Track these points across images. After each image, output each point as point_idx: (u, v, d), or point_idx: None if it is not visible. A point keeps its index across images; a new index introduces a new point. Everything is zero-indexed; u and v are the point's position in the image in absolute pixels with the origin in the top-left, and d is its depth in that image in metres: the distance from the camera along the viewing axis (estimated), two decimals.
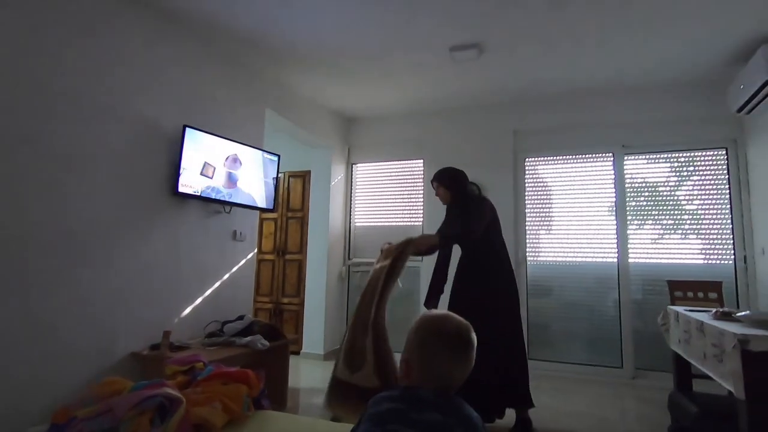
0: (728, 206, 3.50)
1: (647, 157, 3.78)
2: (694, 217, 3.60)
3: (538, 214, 4.03)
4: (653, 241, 3.70)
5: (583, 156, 3.94)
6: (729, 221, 3.49)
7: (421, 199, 4.38)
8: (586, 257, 3.84)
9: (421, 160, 4.44)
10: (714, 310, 2.14)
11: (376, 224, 4.60)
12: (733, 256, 3.45)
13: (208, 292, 2.94)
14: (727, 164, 3.54)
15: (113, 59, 2.35)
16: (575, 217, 3.89)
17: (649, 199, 3.75)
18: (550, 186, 4.04)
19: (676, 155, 3.70)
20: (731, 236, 3.47)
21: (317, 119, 4.20)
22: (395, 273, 2.24)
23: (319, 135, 4.20)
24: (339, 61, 3.28)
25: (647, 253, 3.68)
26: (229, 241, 3.13)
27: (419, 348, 0.98)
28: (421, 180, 4.44)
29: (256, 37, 2.91)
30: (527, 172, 4.09)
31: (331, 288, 4.36)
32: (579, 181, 3.93)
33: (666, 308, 2.66)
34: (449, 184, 2.69)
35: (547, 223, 4.00)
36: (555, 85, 3.70)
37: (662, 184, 3.74)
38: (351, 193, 4.72)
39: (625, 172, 3.79)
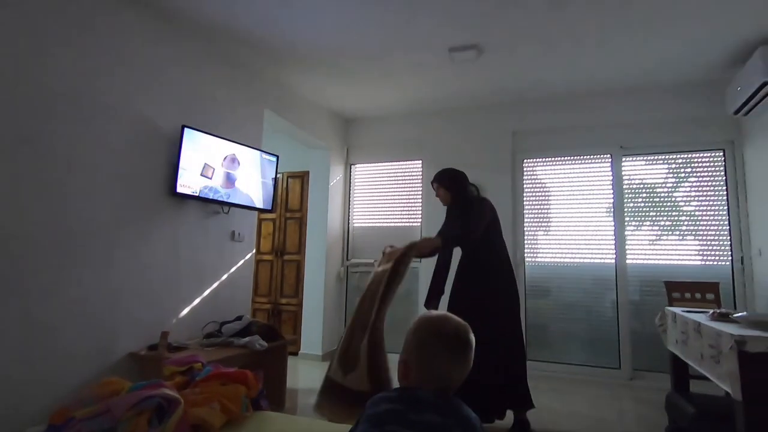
0: (725, 208, 3.51)
1: (645, 158, 3.79)
2: (692, 218, 3.61)
3: (536, 215, 4.04)
4: (651, 242, 3.71)
5: (582, 157, 3.95)
6: (726, 222, 3.50)
7: (420, 200, 4.38)
8: (584, 258, 3.85)
9: (420, 161, 4.45)
10: (711, 311, 2.15)
11: (374, 225, 4.60)
12: (730, 258, 3.46)
13: (207, 292, 2.94)
14: (725, 166, 3.56)
15: (113, 59, 2.35)
16: (573, 218, 3.90)
17: (647, 200, 3.76)
18: (549, 187, 4.05)
19: (674, 156, 3.71)
20: (728, 237, 3.48)
21: (316, 120, 4.20)
22: (397, 277, 2.24)
23: (317, 135, 4.20)
24: (338, 61, 3.28)
25: (645, 254, 3.69)
26: (227, 242, 3.13)
27: (418, 349, 0.98)
28: (419, 181, 4.44)
29: (256, 37, 2.91)
30: (526, 172, 4.10)
31: (329, 289, 4.36)
32: (577, 182, 3.94)
33: (663, 309, 2.67)
34: (449, 185, 2.69)
35: (545, 223, 4.01)
36: (554, 86, 3.71)
37: (660, 185, 3.75)
38: (350, 193, 4.72)
39: (623, 173, 3.81)
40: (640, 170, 3.80)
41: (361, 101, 4.19)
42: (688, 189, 3.68)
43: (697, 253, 3.59)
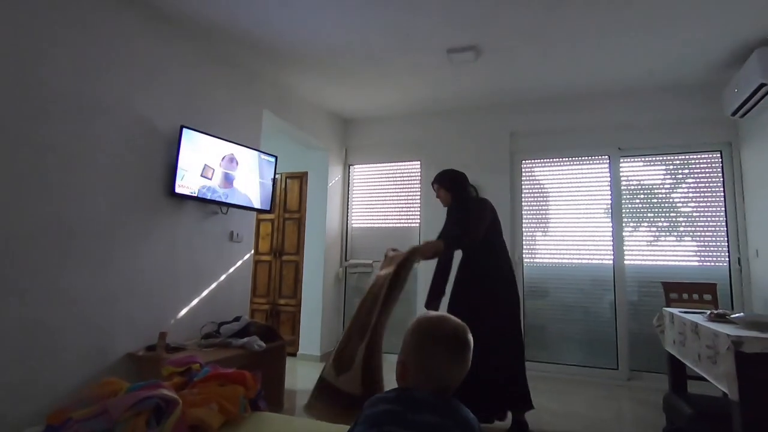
0: (723, 208, 3.53)
1: (643, 159, 3.80)
2: (689, 219, 3.63)
3: (534, 216, 4.04)
4: (648, 243, 3.72)
5: (580, 158, 3.96)
6: (723, 223, 3.51)
7: (419, 201, 4.38)
8: (582, 259, 3.85)
9: (419, 162, 4.45)
10: (708, 311, 2.16)
11: (373, 226, 4.61)
12: (727, 258, 3.48)
13: (205, 293, 2.94)
14: (722, 167, 3.57)
15: (112, 59, 2.35)
16: (571, 219, 3.91)
17: (645, 201, 3.77)
18: (547, 188, 4.06)
19: (672, 158, 3.72)
20: (726, 238, 3.50)
21: (315, 120, 4.20)
22: (399, 282, 2.24)
23: (316, 136, 4.20)
24: (337, 62, 3.29)
25: (643, 255, 3.70)
26: (226, 242, 3.12)
27: (416, 349, 0.98)
28: (418, 181, 4.44)
29: (255, 37, 2.92)
30: (524, 173, 4.11)
31: (327, 289, 4.36)
32: (575, 183, 3.95)
33: (661, 310, 2.67)
34: (450, 186, 2.69)
35: (544, 224, 4.02)
36: (552, 87, 3.72)
37: (658, 186, 3.76)
38: (348, 194, 4.72)
39: (621, 174, 3.82)
40: (637, 171, 3.81)
41: (360, 102, 4.19)
42: (685, 190, 3.69)
43: (694, 253, 3.60)
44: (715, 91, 3.42)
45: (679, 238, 3.65)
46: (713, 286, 2.95)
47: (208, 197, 2.79)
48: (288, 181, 4.70)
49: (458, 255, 2.70)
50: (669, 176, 3.75)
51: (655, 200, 3.74)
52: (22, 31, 1.96)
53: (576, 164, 3.97)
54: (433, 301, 2.62)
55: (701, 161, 3.65)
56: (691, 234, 3.62)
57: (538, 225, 4.03)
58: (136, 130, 2.49)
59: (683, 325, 2.23)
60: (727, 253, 3.48)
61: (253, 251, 3.45)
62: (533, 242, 4.02)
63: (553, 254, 3.95)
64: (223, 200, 2.91)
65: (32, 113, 2.00)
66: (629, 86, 3.65)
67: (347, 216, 4.69)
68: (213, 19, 2.70)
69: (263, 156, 3.28)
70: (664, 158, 3.74)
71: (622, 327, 3.65)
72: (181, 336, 2.68)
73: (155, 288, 2.58)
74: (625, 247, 3.73)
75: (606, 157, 3.87)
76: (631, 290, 3.71)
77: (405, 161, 4.54)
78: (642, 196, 3.78)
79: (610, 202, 3.81)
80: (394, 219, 4.53)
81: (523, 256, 3.99)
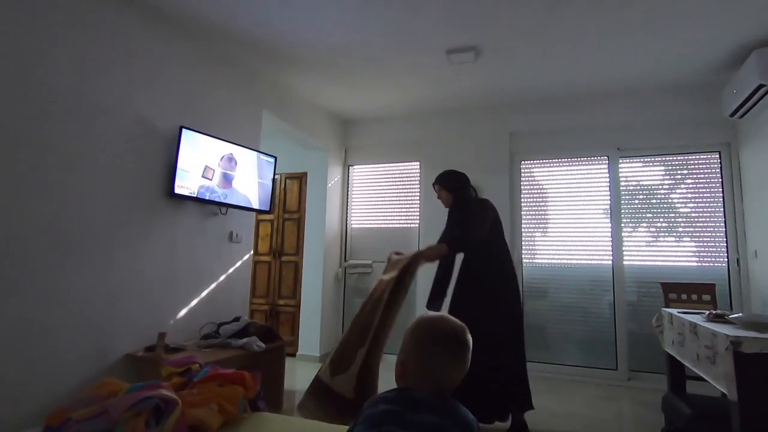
0: (721, 209, 3.53)
1: (642, 159, 3.81)
2: (688, 219, 3.63)
3: (533, 217, 4.05)
4: (647, 243, 3.72)
5: (579, 159, 3.96)
6: (722, 224, 3.52)
7: (418, 202, 4.39)
8: (581, 259, 3.86)
9: (418, 162, 4.45)
10: (707, 312, 2.16)
11: (372, 226, 4.61)
12: (726, 259, 3.48)
13: (204, 293, 2.94)
14: (721, 167, 3.58)
15: (112, 59, 2.35)
16: (570, 219, 3.92)
17: (644, 201, 3.78)
18: (546, 188, 4.06)
19: (671, 158, 3.73)
20: (724, 239, 3.50)
21: (314, 121, 4.21)
22: (403, 287, 2.24)
23: (316, 136, 4.20)
24: (337, 62, 3.29)
25: (641, 255, 3.71)
26: (225, 243, 3.12)
27: (415, 349, 0.99)
28: (417, 182, 4.45)
29: (255, 37, 2.92)
30: (523, 174, 4.12)
31: (327, 290, 4.36)
32: (574, 183, 3.95)
33: (660, 310, 2.68)
34: (451, 187, 2.69)
35: (543, 225, 4.02)
36: (551, 88, 3.72)
37: (657, 186, 3.77)
38: (348, 195, 4.72)
39: (620, 174, 3.82)
40: (637, 172, 3.82)
41: (360, 102, 4.20)
42: (684, 191, 3.70)
43: (693, 254, 3.60)
44: (713, 92, 3.43)
45: (678, 239, 3.66)
46: (712, 286, 2.96)
47: (207, 197, 2.79)
48: (287, 182, 4.70)
49: (460, 255, 2.69)
50: (668, 177, 3.76)
51: (654, 201, 3.75)
52: (22, 31, 1.96)
53: (575, 165, 3.98)
54: (434, 302, 2.61)
55: (700, 162, 3.66)
56: (689, 234, 3.62)
57: (537, 225, 4.04)
58: (136, 130, 2.49)
59: (682, 326, 2.24)
60: (725, 254, 3.49)
61: (252, 252, 3.45)
62: (532, 243, 4.03)
63: (552, 255, 3.95)
64: (222, 200, 2.91)
65: (32, 113, 2.00)
66: (628, 87, 3.65)
67: (347, 216, 4.69)
68: (213, 19, 2.70)
69: (262, 156, 3.28)
70: (663, 159, 3.75)
71: (621, 327, 3.65)
72: (180, 336, 2.68)
73: (155, 288, 2.58)
74: (624, 248, 3.74)
75: (605, 157, 3.87)
76: (630, 290, 3.71)
77: (404, 162, 4.54)
78: (641, 196, 3.79)
79: (609, 202, 3.81)
80: (394, 219, 4.53)
81: (523, 256, 3.99)
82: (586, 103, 3.87)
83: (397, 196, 4.55)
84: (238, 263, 3.25)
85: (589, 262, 3.83)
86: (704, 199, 3.60)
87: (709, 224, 3.57)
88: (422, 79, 3.60)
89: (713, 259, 3.53)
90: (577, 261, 3.87)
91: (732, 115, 3.17)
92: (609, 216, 3.79)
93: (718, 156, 3.60)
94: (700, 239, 3.58)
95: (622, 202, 3.79)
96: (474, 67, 3.29)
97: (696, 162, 3.67)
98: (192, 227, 2.85)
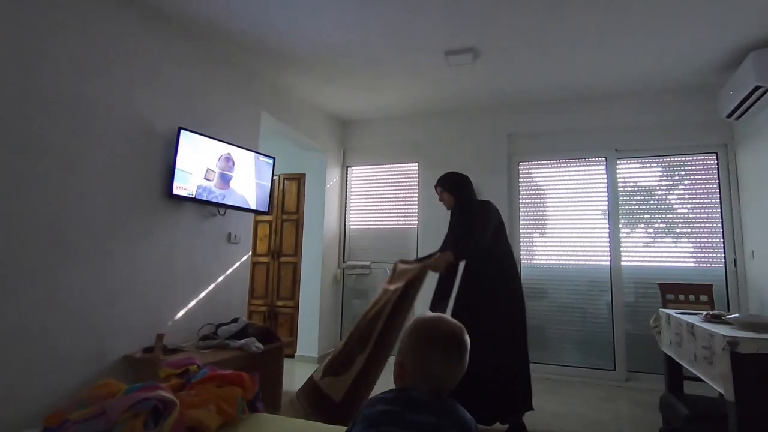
0: (718, 210, 3.55)
1: (640, 161, 3.82)
2: (686, 220, 3.65)
3: (531, 218, 4.06)
4: (645, 244, 3.74)
5: (577, 160, 3.97)
6: (719, 225, 3.53)
7: (416, 203, 4.39)
8: (579, 260, 3.87)
9: (416, 163, 4.46)
10: (704, 312, 2.18)
11: (371, 227, 4.61)
12: (723, 259, 3.50)
13: (203, 294, 2.94)
14: (718, 168, 3.59)
15: (112, 59, 2.35)
16: (569, 220, 3.93)
17: (642, 202, 3.79)
18: (544, 189, 4.07)
19: (668, 159, 3.75)
20: (721, 239, 3.52)
21: (313, 122, 4.21)
22: (407, 300, 2.24)
23: (314, 138, 4.21)
24: (336, 62, 3.29)
25: (639, 256, 3.72)
26: (223, 244, 3.12)
27: (413, 350, 0.99)
28: (416, 183, 4.45)
29: (254, 38, 2.92)
30: (521, 175, 4.12)
31: (325, 291, 4.36)
32: (572, 184, 3.96)
33: (658, 311, 2.69)
34: (453, 189, 2.68)
35: (541, 226, 4.03)
36: (549, 89, 3.73)
37: (654, 188, 3.78)
38: (346, 195, 4.73)
39: (618, 176, 3.83)
40: (634, 173, 3.83)
41: (358, 103, 4.20)
42: (681, 192, 3.71)
43: (690, 255, 3.62)
44: (710, 94, 3.45)
45: (675, 240, 3.67)
46: (709, 287, 2.97)
47: (204, 197, 2.79)
48: (286, 183, 4.70)
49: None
50: (665, 178, 3.77)
51: (652, 202, 3.76)
52: (22, 31, 1.96)
53: (573, 166, 3.99)
54: (438, 305, 2.57)
55: (697, 163, 3.67)
56: (687, 235, 3.64)
57: (535, 226, 4.04)
58: (135, 131, 2.48)
59: (679, 326, 2.25)
60: (722, 255, 3.50)
61: (251, 252, 3.44)
62: (531, 243, 4.04)
63: (551, 255, 3.96)
64: (220, 201, 2.90)
65: (32, 113, 1.99)
66: (626, 88, 3.67)
67: (345, 217, 4.69)
68: (212, 19, 2.70)
69: (261, 157, 3.28)
70: (661, 160, 3.77)
71: (619, 328, 3.66)
72: (178, 338, 2.68)
73: (153, 289, 2.57)
74: (621, 249, 3.75)
75: (603, 158, 3.89)
76: (627, 291, 3.72)
77: (403, 163, 4.54)
78: (639, 197, 3.80)
79: (607, 203, 3.82)
80: (392, 220, 4.53)
81: (521, 257, 4.00)
82: (584, 105, 3.89)
83: (395, 197, 4.56)
84: (237, 264, 3.25)
85: (587, 262, 3.84)
86: (701, 200, 3.62)
87: (707, 225, 3.58)
88: (421, 80, 3.60)
89: (710, 260, 3.54)
90: (575, 262, 3.88)
91: (729, 116, 3.19)
92: (607, 217, 3.81)
93: (715, 157, 3.61)
94: (698, 240, 3.60)
95: (620, 203, 3.80)
96: (473, 68, 3.30)
97: (693, 163, 3.68)
98: (191, 228, 2.85)
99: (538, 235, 4.03)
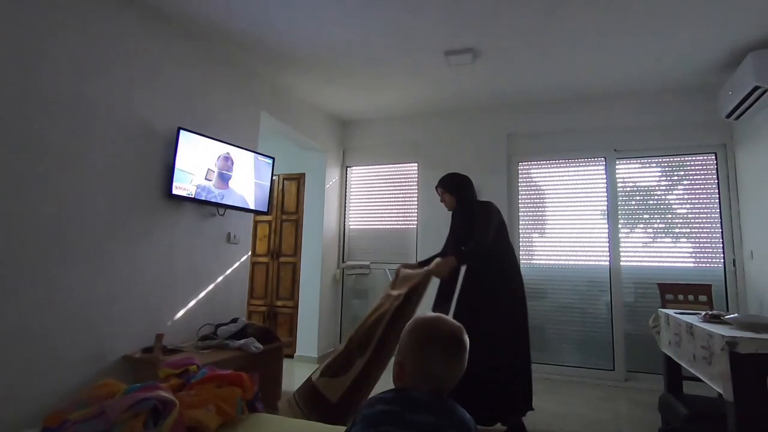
0: (718, 210, 3.55)
1: (639, 161, 3.82)
2: (685, 220, 3.65)
3: (531, 218, 4.06)
4: (644, 244, 3.74)
5: (576, 160, 3.98)
6: (718, 225, 3.54)
7: (416, 203, 4.39)
8: (578, 260, 3.87)
9: (416, 164, 4.46)
10: (703, 312, 2.18)
11: (370, 227, 4.61)
12: (722, 260, 3.50)
13: (202, 294, 2.94)
14: (717, 169, 3.60)
15: (111, 59, 2.35)
16: (568, 220, 3.93)
17: (641, 202, 3.79)
18: (544, 189, 4.07)
19: (667, 159, 3.75)
20: (721, 240, 3.52)
21: (313, 122, 4.21)
22: (409, 306, 2.24)
23: (314, 138, 4.21)
24: (336, 62, 3.29)
25: (638, 256, 3.72)
26: (223, 244, 3.12)
27: (413, 350, 0.99)
28: (415, 183, 4.45)
29: (253, 38, 2.92)
30: (521, 175, 4.13)
31: (325, 291, 4.36)
32: (572, 184, 3.96)
33: (657, 311, 2.69)
34: (454, 189, 2.67)
35: (540, 226, 4.03)
36: (549, 89, 3.74)
37: (653, 188, 3.79)
38: (345, 196, 4.73)
39: (617, 176, 3.84)
40: (633, 173, 3.84)
41: (358, 103, 4.20)
42: (681, 192, 3.72)
43: (689, 255, 3.62)
44: (710, 94, 3.45)
45: (674, 240, 3.67)
46: (708, 287, 2.97)
47: (203, 197, 2.78)
48: (285, 183, 4.70)
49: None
50: (664, 178, 3.77)
51: (651, 202, 3.76)
52: (22, 31, 1.96)
53: (572, 166, 3.99)
54: (440, 307, 2.54)
55: (696, 163, 3.67)
56: (686, 235, 3.64)
57: (535, 226, 4.05)
58: (135, 131, 2.48)
59: (678, 326, 2.25)
60: (722, 255, 3.50)
61: (250, 253, 3.44)
62: (530, 243, 4.04)
63: (550, 255, 3.96)
64: (219, 201, 2.90)
65: (32, 113, 1.99)
66: (626, 88, 3.67)
67: (345, 217, 4.69)
68: (212, 19, 2.70)
69: (260, 157, 3.28)
70: (660, 160, 3.77)
71: (618, 328, 3.66)
72: (178, 338, 2.68)
73: (153, 289, 2.57)
74: (621, 249, 3.75)
75: (602, 158, 3.89)
76: (627, 291, 3.72)
77: (402, 163, 4.54)
78: (638, 197, 3.80)
79: (606, 203, 3.82)
80: (392, 220, 4.53)
81: (520, 257, 4.00)
82: (584, 105, 3.89)
83: (395, 197, 4.56)
84: (236, 264, 3.25)
85: (586, 263, 3.85)
86: (701, 201, 3.62)
87: (706, 225, 3.58)
88: (421, 80, 3.60)
89: (709, 260, 3.55)
90: (574, 262, 3.88)
91: (728, 116, 3.19)
92: (606, 217, 3.81)
93: (714, 157, 3.62)
94: (697, 240, 3.60)
95: (619, 203, 3.81)
96: (472, 68, 3.30)
97: (692, 163, 3.69)
98: (190, 228, 2.85)
99: (537, 235, 4.04)
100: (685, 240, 3.64)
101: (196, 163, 2.73)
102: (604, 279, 3.76)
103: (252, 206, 3.20)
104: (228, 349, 2.58)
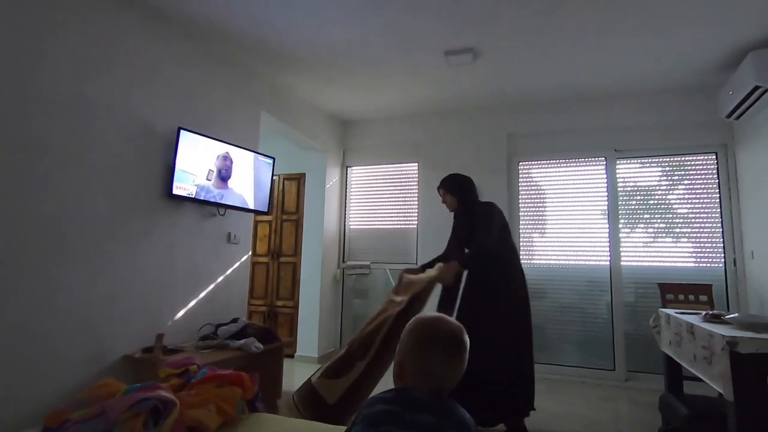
0: (718, 210, 3.55)
1: (639, 161, 3.82)
2: (685, 220, 3.65)
3: (531, 218, 4.06)
4: (645, 244, 3.74)
5: (576, 160, 3.98)
6: (719, 224, 3.54)
7: (416, 203, 4.39)
8: (578, 260, 3.87)
9: (416, 163, 4.46)
10: (704, 312, 2.17)
11: (370, 227, 4.61)
12: (723, 259, 3.50)
13: (202, 294, 2.94)
14: (717, 168, 3.60)
15: (111, 59, 2.35)
16: (568, 220, 3.93)
17: (641, 202, 3.79)
18: (544, 189, 4.07)
19: (668, 159, 3.75)
20: (721, 239, 3.52)
21: (313, 122, 4.21)
22: (412, 311, 2.24)
23: (314, 138, 4.21)
24: (336, 62, 3.29)
25: (639, 256, 3.72)
26: (223, 244, 3.12)
27: (413, 349, 0.99)
28: (415, 183, 4.45)
29: (254, 38, 2.92)
30: (521, 175, 4.13)
31: (325, 291, 4.36)
32: (572, 184, 3.96)
33: (657, 311, 2.69)
34: (456, 191, 2.67)
35: (541, 226, 4.03)
36: (549, 89, 3.74)
37: (654, 188, 3.78)
38: (346, 195, 4.73)
39: (618, 176, 3.83)
40: (634, 173, 3.83)
41: (358, 103, 4.20)
42: (681, 191, 3.71)
43: (690, 255, 3.62)
44: (710, 94, 3.45)
45: (675, 240, 3.67)
46: (709, 287, 2.97)
47: (202, 197, 2.78)
48: (286, 183, 4.70)
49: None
50: (665, 178, 3.77)
51: (652, 202, 3.76)
52: (22, 31, 1.96)
53: (573, 166, 3.99)
54: (444, 307, 2.52)
55: (697, 163, 3.67)
56: (687, 235, 3.64)
57: (535, 226, 4.05)
58: (135, 131, 2.48)
59: (679, 326, 2.25)
60: (722, 254, 3.50)
61: (250, 253, 3.44)
62: (530, 243, 4.04)
63: (550, 255, 3.96)
64: (218, 200, 2.90)
65: (32, 113, 1.99)
66: (626, 88, 3.67)
67: (345, 217, 4.69)
68: (212, 19, 2.70)
69: (261, 157, 3.28)
70: (661, 160, 3.77)
71: (618, 328, 3.66)
72: (178, 338, 2.68)
73: (153, 289, 2.57)
74: (621, 249, 3.75)
75: (602, 158, 3.89)
76: (627, 291, 3.72)
77: (403, 163, 4.54)
78: (638, 197, 3.80)
79: (606, 203, 3.82)
80: (392, 220, 4.53)
81: (521, 257, 3.97)
82: (584, 105, 3.89)
83: (395, 197, 4.56)
84: (237, 264, 3.25)
85: (586, 263, 3.84)
86: (701, 200, 3.62)
87: (706, 225, 3.58)
88: (421, 80, 3.60)
89: (710, 260, 3.54)
90: (574, 262, 3.88)
91: (729, 116, 3.19)
92: (606, 217, 3.81)
93: (714, 157, 3.61)
94: (697, 240, 3.60)
95: (620, 203, 3.80)
96: (473, 68, 3.30)
97: (693, 163, 3.68)
98: (190, 228, 2.85)
99: (537, 235, 4.03)
100: (685, 240, 3.64)
101: (197, 163, 2.72)
102: (604, 279, 3.76)
103: (252, 206, 3.20)
104: (228, 349, 2.58)
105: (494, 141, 4.11)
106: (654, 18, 2.60)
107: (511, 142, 4.12)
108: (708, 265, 3.54)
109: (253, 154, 3.20)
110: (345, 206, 4.70)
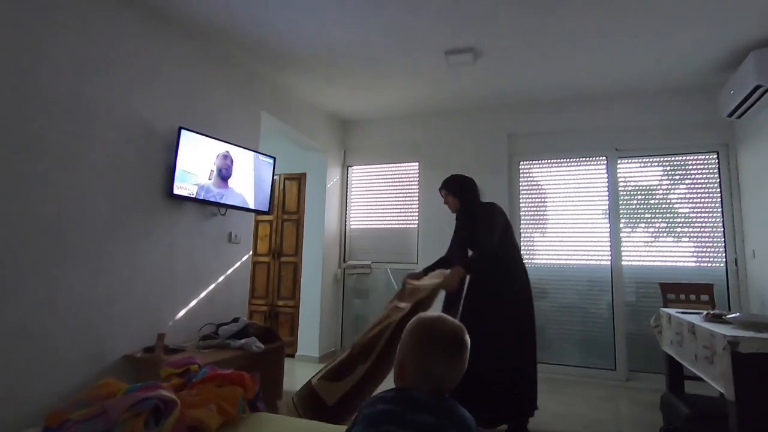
0: (719, 209, 3.55)
1: (640, 160, 3.82)
2: (687, 220, 3.64)
3: (532, 217, 4.05)
4: (646, 243, 3.73)
5: (577, 159, 3.97)
6: (720, 224, 3.53)
7: (417, 202, 4.39)
8: (579, 260, 3.86)
9: (417, 163, 4.46)
10: (705, 312, 2.17)
11: (371, 227, 4.61)
12: (724, 259, 3.49)
13: (203, 294, 2.94)
14: (719, 168, 3.59)
15: (111, 59, 2.35)
16: (569, 220, 3.92)
17: (642, 202, 3.79)
18: (545, 189, 4.07)
19: (669, 159, 3.74)
20: (722, 239, 3.51)
21: (313, 121, 4.21)
22: (414, 316, 2.24)
23: (315, 137, 4.21)
24: (336, 62, 3.29)
25: (640, 255, 3.72)
26: (224, 244, 3.12)
27: (413, 349, 0.99)
28: (416, 183, 4.45)
29: (254, 38, 2.92)
30: (522, 175, 4.12)
31: (326, 290, 4.36)
32: (573, 184, 3.96)
33: (659, 310, 2.68)
34: (457, 191, 2.66)
35: (542, 226, 4.03)
36: (549, 89, 3.73)
37: (655, 187, 3.78)
38: (346, 195, 4.73)
39: (619, 175, 3.83)
40: (635, 172, 3.83)
41: (359, 103, 4.20)
42: (682, 191, 3.71)
43: (691, 254, 3.61)
44: (711, 93, 3.44)
45: (676, 239, 3.67)
46: (710, 286, 2.96)
47: (202, 197, 2.78)
48: (286, 183, 4.70)
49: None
50: (666, 177, 3.77)
51: (653, 201, 3.76)
52: (22, 31, 1.96)
53: (573, 165, 3.98)
54: (448, 310, 2.49)
55: (698, 162, 3.67)
56: (688, 235, 3.63)
57: (536, 226, 4.04)
58: (136, 131, 2.48)
59: (680, 326, 2.25)
60: (723, 254, 3.50)
61: (251, 252, 3.45)
62: (531, 243, 4.03)
63: (551, 255, 3.96)
64: (218, 200, 2.89)
65: (32, 113, 1.99)
66: (627, 88, 3.66)
67: (346, 217, 4.69)
68: (213, 19, 2.70)
69: (261, 157, 3.28)
70: (662, 159, 3.76)
71: (619, 327, 3.65)
72: (179, 337, 2.68)
73: (153, 289, 2.57)
74: (622, 248, 3.74)
75: (603, 158, 3.88)
76: (628, 291, 3.72)
77: (403, 162, 4.54)
78: (639, 197, 3.80)
79: (607, 203, 3.82)
80: (393, 220, 4.53)
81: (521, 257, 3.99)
82: (584, 105, 3.88)
83: (396, 197, 4.56)
84: (237, 264, 3.25)
85: (587, 262, 3.84)
86: (702, 200, 3.61)
87: (708, 225, 3.58)
88: (421, 80, 3.60)
89: (711, 260, 3.54)
90: (575, 261, 3.87)
91: (730, 115, 3.18)
92: (607, 216, 3.80)
93: (716, 156, 3.61)
94: (699, 239, 3.59)
95: (621, 202, 3.80)
96: (473, 68, 3.29)
97: (694, 162, 3.68)
98: (191, 228, 2.85)
99: (538, 234, 4.03)
100: (686, 239, 3.64)
101: (198, 162, 2.72)
102: (605, 278, 3.76)
103: (252, 206, 3.20)
104: (229, 348, 2.58)
105: (494, 141, 4.11)
106: (654, 18, 2.60)
107: (512, 141, 4.12)
108: (709, 264, 3.54)
109: (253, 153, 3.20)
110: (346, 206, 4.70)
